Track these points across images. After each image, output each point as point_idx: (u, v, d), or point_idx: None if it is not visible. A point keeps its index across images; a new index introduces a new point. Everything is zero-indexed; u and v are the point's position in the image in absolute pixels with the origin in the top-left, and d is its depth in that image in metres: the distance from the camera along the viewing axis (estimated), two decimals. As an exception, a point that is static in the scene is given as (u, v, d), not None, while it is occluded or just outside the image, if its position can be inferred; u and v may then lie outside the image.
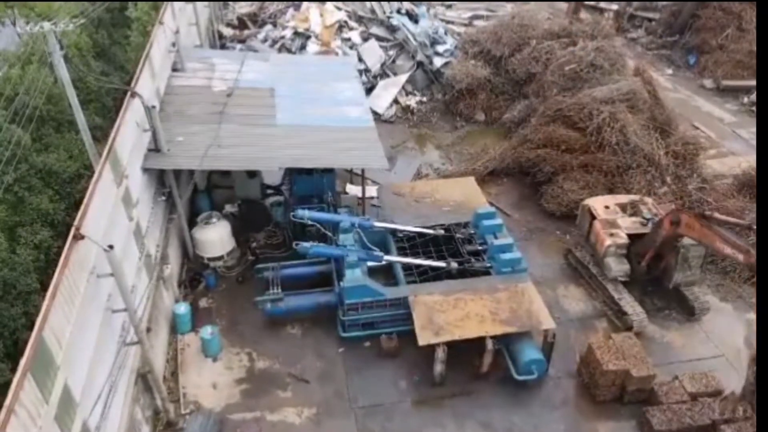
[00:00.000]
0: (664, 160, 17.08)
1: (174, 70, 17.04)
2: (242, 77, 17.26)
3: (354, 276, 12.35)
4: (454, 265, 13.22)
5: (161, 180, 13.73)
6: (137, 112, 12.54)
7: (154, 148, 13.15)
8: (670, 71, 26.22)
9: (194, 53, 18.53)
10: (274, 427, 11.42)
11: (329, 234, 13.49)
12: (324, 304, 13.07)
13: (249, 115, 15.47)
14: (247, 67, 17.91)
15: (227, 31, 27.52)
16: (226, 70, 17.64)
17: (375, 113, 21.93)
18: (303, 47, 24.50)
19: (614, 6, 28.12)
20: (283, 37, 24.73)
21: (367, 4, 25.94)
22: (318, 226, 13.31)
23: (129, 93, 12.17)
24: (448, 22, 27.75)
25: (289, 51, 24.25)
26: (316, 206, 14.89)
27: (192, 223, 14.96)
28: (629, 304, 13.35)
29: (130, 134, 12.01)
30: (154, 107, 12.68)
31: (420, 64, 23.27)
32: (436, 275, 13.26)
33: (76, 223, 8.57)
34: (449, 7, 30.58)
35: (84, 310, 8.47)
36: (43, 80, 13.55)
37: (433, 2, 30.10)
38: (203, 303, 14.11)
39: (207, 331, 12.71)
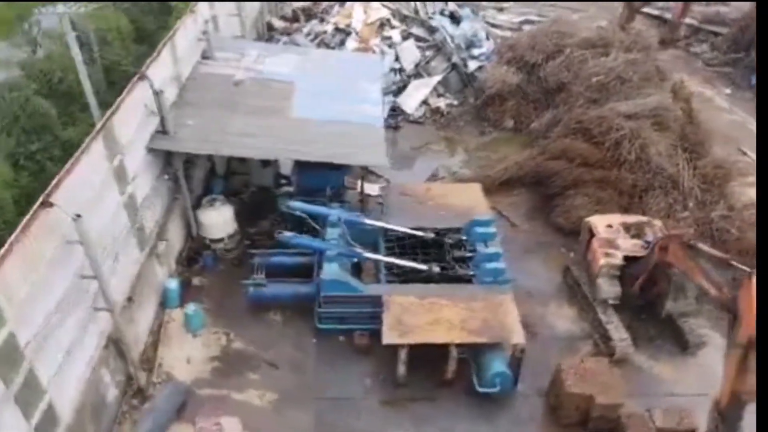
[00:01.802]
0: (688, 182, 16.15)
1: (204, 57, 17.77)
2: (267, 69, 17.74)
3: (331, 269, 12.53)
4: (435, 269, 13.12)
5: (168, 161, 14.40)
6: (146, 94, 13.21)
7: (162, 130, 13.81)
8: (728, 90, 24.60)
9: (229, 43, 19.17)
10: (235, 407, 11.78)
11: (317, 227, 13.70)
12: (304, 295, 13.32)
13: (263, 106, 15.91)
14: (276, 60, 18.39)
15: (279, 24, 28.32)
16: (255, 61, 18.19)
17: (404, 113, 22.13)
18: (342, 43, 24.86)
19: (668, 15, 26.68)
20: (324, 33, 25.20)
21: (411, 3, 25.97)
22: (307, 218, 13.56)
23: (137, 75, 12.86)
24: (495, 26, 27.34)
25: (328, 46, 24.70)
26: (318, 200, 15.15)
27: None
28: (616, 328, 12.77)
29: (134, 114, 12.68)
30: (162, 91, 13.32)
31: (455, 67, 23.09)
32: (418, 278, 13.20)
33: (47, 191, 9.20)
34: (501, 10, 30.11)
35: (49, 273, 9.12)
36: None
37: (484, 5, 29.76)
38: (197, 281, 14.70)
39: (190, 307, 13.30)
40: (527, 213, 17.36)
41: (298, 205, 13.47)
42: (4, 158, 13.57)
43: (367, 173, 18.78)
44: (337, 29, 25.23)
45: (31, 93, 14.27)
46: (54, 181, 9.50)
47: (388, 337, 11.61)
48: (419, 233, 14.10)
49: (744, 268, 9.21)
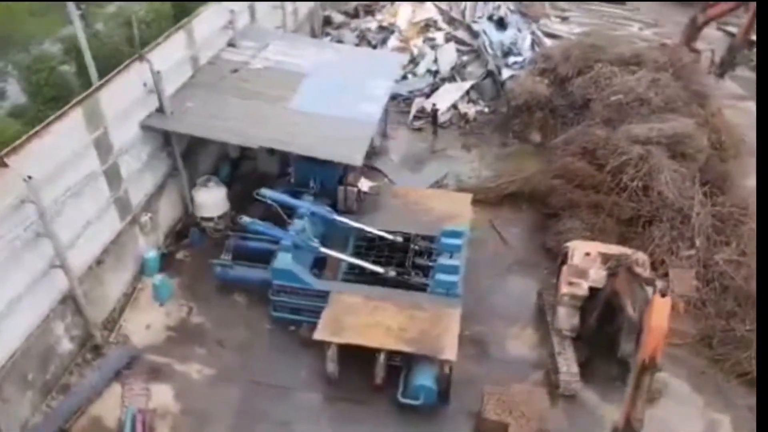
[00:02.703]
0: (700, 219, 14.86)
1: (229, 45, 18.59)
2: (285, 60, 18.28)
3: (283, 259, 12.79)
4: (391, 273, 13.02)
5: (167, 139, 15.26)
6: (145, 74, 14.08)
7: (159, 109, 14.67)
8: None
9: (258, 33, 19.81)
10: (173, 376, 12.39)
11: (285, 217, 13.97)
12: (264, 281, 13.66)
13: (266, 94, 16.42)
14: (297, 52, 18.89)
15: (339, 18, 28.89)
16: (277, 51, 18.77)
17: (428, 115, 21.92)
18: (384, 41, 25.04)
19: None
20: (369, 30, 25.46)
21: (461, 4, 25.61)
22: (278, 207, 13.89)
23: (136, 56, 13.76)
24: (552, 35, 26.30)
25: (369, 44, 24.96)
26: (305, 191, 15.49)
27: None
28: (566, 361, 12.08)
29: (128, 91, 13.55)
30: (159, 72, 14.15)
31: (490, 74, 22.54)
32: (374, 280, 13.16)
33: (4, 152, 10.15)
34: (565, 20, 28.92)
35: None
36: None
37: (550, 12, 28.78)
38: (180, 255, 15.51)
39: (158, 278, 14.09)
40: (523, 231, 16.73)
41: (268, 194, 13.84)
42: (25, 123, 14.98)
43: (371, 171, 18.96)
44: (381, 27, 25.40)
45: (57, 64, 15.63)
46: (14, 144, 10.44)
47: (320, 334, 11.71)
48: (389, 236, 14.02)
49: (660, 284, 8.53)
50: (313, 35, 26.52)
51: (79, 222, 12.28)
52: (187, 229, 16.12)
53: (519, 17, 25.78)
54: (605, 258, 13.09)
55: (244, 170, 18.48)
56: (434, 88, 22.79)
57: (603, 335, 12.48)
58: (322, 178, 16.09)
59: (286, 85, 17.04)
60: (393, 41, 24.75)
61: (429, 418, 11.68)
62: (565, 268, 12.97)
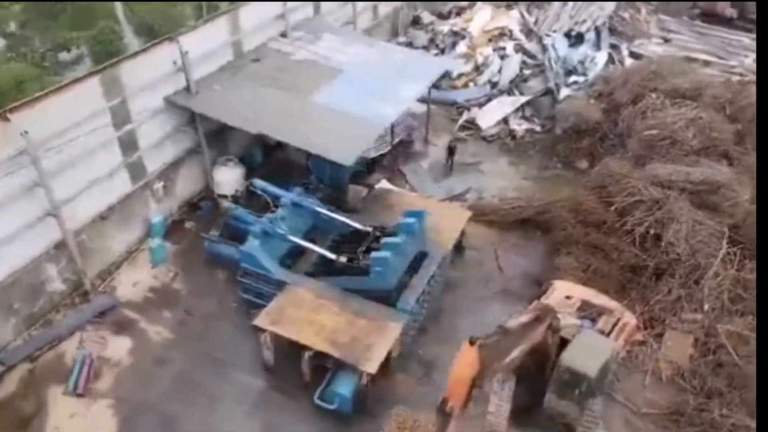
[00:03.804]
0: (717, 282, 13.14)
1: (282, 35, 19.46)
2: (327, 54, 18.78)
3: (251, 244, 13.31)
4: (342, 259, 12.99)
5: (193, 117, 16.41)
6: (176, 53, 15.26)
7: (186, 87, 15.84)
8: None
9: (314, 26, 20.39)
10: (135, 332, 13.49)
11: (271, 205, 14.43)
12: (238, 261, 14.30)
13: (293, 85, 16.99)
14: (342, 48, 19.31)
15: (428, 19, 28.85)
16: (324, 46, 19.32)
17: (476, 127, 21.36)
18: (453, 46, 24.65)
19: None
20: (441, 33, 25.18)
21: (544, 13, 24.43)
22: (266, 196, 14.44)
23: (167, 37, 14.98)
24: (640, 56, 24.23)
25: (437, 47, 24.71)
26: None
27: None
28: (499, 401, 11.31)
29: (157, 67, 14.81)
30: (187, 53, 15.27)
31: (549, 92, 21.37)
32: (336, 272, 13.14)
33: (8, 107, 11.67)
34: (667, 41, 26.45)
35: (-3, 172, 11.66)
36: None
37: (653, 34, 26.57)
38: (188, 225, 16.68)
39: (155, 241, 15.32)
40: (524, 259, 15.81)
41: (259, 184, 14.47)
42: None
43: (394, 173, 18.92)
44: (454, 32, 25.01)
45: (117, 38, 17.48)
46: (20, 102, 11.96)
47: (259, 320, 12.10)
48: (361, 228, 13.88)
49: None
50: (395, 35, 26.77)
51: (84, 179, 13.71)
52: (201, 201, 17.25)
53: (607, 34, 24.01)
54: (585, 306, 12.12)
55: (278, 158, 19.26)
56: (490, 99, 22.08)
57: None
58: (332, 173, 16.45)
59: (318, 79, 17.51)
60: (461, 47, 24.28)
61: (344, 426, 11.62)
62: (533, 304, 12.17)
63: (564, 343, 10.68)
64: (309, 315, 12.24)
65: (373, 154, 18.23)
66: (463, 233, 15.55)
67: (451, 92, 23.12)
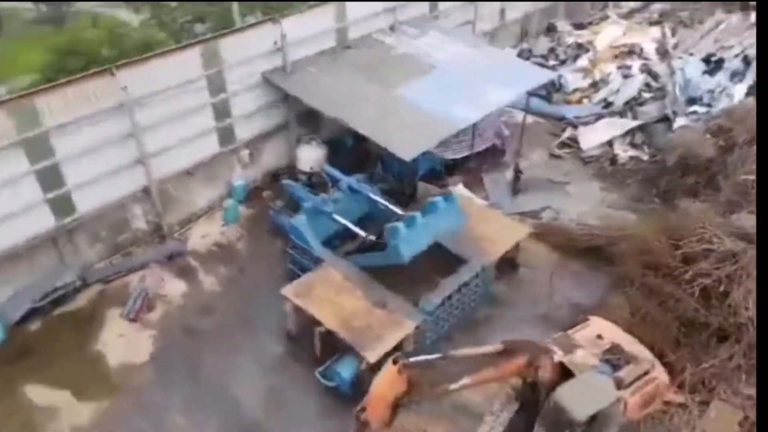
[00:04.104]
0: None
1: (390, 28, 19.99)
2: (428, 50, 18.98)
3: (299, 218, 14.05)
4: (371, 237, 13.23)
5: (287, 94, 17.52)
6: (277, 34, 16.45)
7: (282, 67, 17.01)
8: None
9: (425, 23, 20.61)
10: (192, 278, 14.94)
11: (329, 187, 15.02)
12: (292, 234, 15.15)
13: (384, 78, 17.37)
14: (443, 45, 19.34)
15: (565, 28, 27.77)
16: (427, 42, 19.52)
17: (578, 145, 20.34)
18: (575, 59, 23.51)
19: None
20: (565, 44, 24.09)
21: (682, 33, 22.38)
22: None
23: (270, 17, 16.21)
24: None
25: (557, 58, 23.70)
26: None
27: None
28: (494, 422, 10.90)
29: (257, 45, 16.14)
30: (286, 35, 16.39)
31: (666, 119, 19.59)
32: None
33: (115, 64, 13.49)
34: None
35: (97, 118, 13.55)
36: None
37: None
38: (265, 193, 17.92)
39: (232, 202, 16.73)
40: (580, 290, 14.78)
41: (325, 168, 15.28)
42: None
43: (471, 179, 18.66)
44: (579, 44, 23.80)
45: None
46: (126, 61, 13.76)
47: (285, 290, 12.79)
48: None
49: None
50: (523, 41, 26.17)
51: (175, 137, 15.37)
52: (283, 174, 18.41)
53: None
54: (615, 350, 11.22)
55: (366, 146, 19.85)
56: (599, 118, 20.80)
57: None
58: (401, 167, 16.72)
59: (409, 73, 17.78)
60: (583, 60, 23.05)
61: (343, 405, 11.90)
62: (558, 335, 11.53)
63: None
64: (333, 295, 12.69)
65: (450, 156, 18.11)
66: (518, 249, 15.03)
67: (562, 107, 22.12)
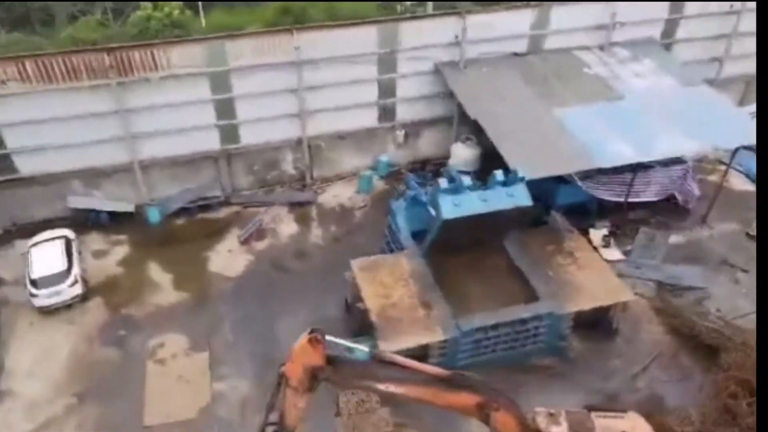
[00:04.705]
0: None
1: (599, 47, 18.43)
2: (624, 78, 17.16)
3: (398, 204, 14.32)
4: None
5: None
6: (457, 28, 16.69)
7: (456, 62, 17.22)
8: None
9: (644, 48, 18.31)
10: (304, 225, 16.59)
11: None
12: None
13: (552, 94, 16.38)
14: (651, 77, 17.25)
15: None
16: (629, 70, 17.57)
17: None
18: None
19: None
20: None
21: None
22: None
23: (456, 12, 16.53)
24: None
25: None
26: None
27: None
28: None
29: (437, 35, 16.71)
30: (466, 30, 16.51)
31: None
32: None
33: (297, 26, 15.45)
34: None
35: (270, 69, 15.80)
36: None
37: None
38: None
39: (369, 173, 17.89)
40: (670, 384, 12.35)
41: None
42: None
43: (620, 226, 16.49)
44: None
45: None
46: (306, 25, 15.64)
47: (355, 261, 13.24)
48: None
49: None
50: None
51: (335, 101, 16.92)
52: (426, 166, 18.78)
53: None
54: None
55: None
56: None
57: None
58: (537, 189, 15.65)
59: (585, 96, 16.42)
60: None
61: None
62: (578, 410, 10.04)
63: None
64: (390, 281, 12.88)
65: (605, 196, 16.10)
66: (615, 313, 13.10)
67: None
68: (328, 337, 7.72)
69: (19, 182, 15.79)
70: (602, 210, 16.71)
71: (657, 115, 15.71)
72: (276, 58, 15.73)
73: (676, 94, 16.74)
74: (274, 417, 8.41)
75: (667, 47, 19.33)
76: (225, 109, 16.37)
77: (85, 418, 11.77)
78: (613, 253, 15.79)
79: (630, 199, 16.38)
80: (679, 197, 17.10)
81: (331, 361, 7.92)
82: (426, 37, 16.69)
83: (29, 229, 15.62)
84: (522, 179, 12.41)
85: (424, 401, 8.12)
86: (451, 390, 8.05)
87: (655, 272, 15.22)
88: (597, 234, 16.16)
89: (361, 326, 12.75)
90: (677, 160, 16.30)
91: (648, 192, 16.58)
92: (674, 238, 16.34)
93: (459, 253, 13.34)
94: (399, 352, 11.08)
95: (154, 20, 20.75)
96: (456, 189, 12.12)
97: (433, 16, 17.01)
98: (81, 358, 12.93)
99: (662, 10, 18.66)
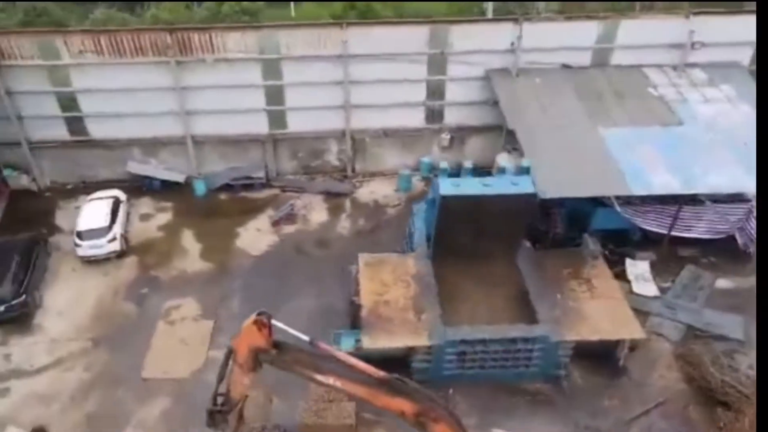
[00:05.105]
0: None
1: (674, 67, 17.11)
2: (692, 102, 15.89)
3: (419, 206, 14.37)
4: None
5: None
6: (513, 35, 16.24)
7: (507, 69, 16.74)
8: None
9: (725, 73, 16.78)
10: (334, 215, 16.99)
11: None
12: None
13: (602, 112, 15.61)
14: (722, 105, 15.84)
15: None
16: (700, 94, 16.22)
17: None
18: None
19: None
20: None
21: None
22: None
23: (513, 18, 16.08)
24: None
25: None
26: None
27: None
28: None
29: (491, 40, 16.37)
30: (521, 37, 16.02)
31: None
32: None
33: (347, 21, 15.80)
34: None
35: (319, 61, 16.29)
36: None
37: None
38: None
39: (407, 173, 17.96)
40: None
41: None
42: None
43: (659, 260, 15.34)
44: None
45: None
46: (357, 21, 15.93)
47: (362, 255, 13.51)
48: None
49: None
50: None
51: (380, 97, 17.06)
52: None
53: None
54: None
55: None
56: None
57: None
58: (571, 209, 15.09)
59: (638, 118, 15.49)
60: None
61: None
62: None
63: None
64: (391, 279, 12.93)
65: (643, 225, 14.98)
66: (623, 349, 12.32)
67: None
68: (274, 322, 8.00)
69: (89, 144, 17.51)
70: (647, 241, 15.60)
71: (719, 146, 14.42)
72: (326, 50, 16.18)
73: (749, 126, 15.20)
74: (223, 388, 8.87)
75: (746, 72, 17.55)
76: (275, 94, 17.11)
77: (94, 361, 12.94)
78: (649, 288, 14.71)
79: (676, 233, 15.12)
80: (739, 239, 15.53)
81: (277, 345, 8.19)
82: (479, 41, 16.40)
83: (92, 187, 17.32)
84: (527, 169, 12.44)
85: (362, 399, 8.21)
86: (389, 393, 8.04)
87: (689, 315, 14.00)
88: (634, 265, 15.12)
89: (355, 320, 12.93)
90: (738, 198, 14.86)
91: (698, 228, 15.20)
92: (722, 282, 14.95)
93: (467, 258, 13.02)
94: (381, 351, 11.35)
95: (226, 6, 22.14)
96: (458, 174, 12.41)
97: (488, 20, 16.67)
98: (104, 308, 14.19)
99: (752, 32, 16.92)
